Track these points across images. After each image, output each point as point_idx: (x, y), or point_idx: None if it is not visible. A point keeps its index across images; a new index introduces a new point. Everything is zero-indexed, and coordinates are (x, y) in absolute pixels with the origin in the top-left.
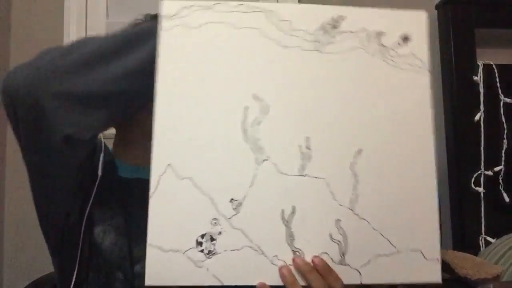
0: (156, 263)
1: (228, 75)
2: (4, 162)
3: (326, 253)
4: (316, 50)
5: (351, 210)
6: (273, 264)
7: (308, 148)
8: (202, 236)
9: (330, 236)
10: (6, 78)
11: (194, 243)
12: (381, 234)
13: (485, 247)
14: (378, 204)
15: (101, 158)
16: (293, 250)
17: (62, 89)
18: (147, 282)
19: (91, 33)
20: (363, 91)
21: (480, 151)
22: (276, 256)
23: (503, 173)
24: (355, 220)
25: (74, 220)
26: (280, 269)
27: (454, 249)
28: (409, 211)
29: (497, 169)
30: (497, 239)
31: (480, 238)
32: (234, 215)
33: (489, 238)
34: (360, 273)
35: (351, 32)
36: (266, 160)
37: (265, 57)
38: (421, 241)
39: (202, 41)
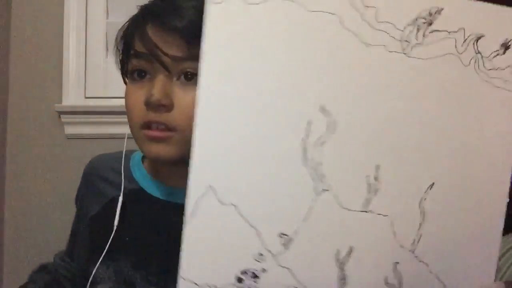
0: None
1: (291, 76)
2: (4, 162)
3: None
4: (403, 53)
5: (412, 252)
6: None
7: (376, 179)
8: (243, 272)
9: (385, 280)
10: None
11: (234, 279)
12: (437, 278)
13: None
14: (440, 246)
15: (117, 213)
16: None
17: None
18: None
19: (91, 33)
20: (449, 112)
21: None
22: None
23: None
24: (414, 263)
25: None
26: None
27: None
28: (470, 254)
29: None
30: None
31: None
32: (282, 252)
33: None
34: None
35: (447, 32)
36: (327, 190)
37: (341, 57)
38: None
39: (261, 23)
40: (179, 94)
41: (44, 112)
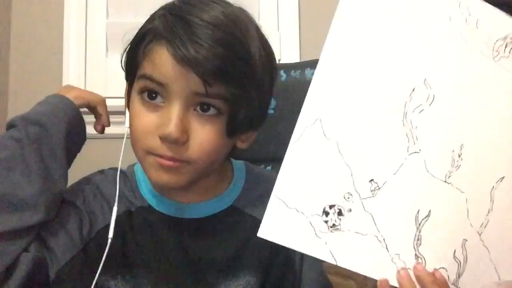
0: (276, 217)
1: (406, 48)
2: None
3: (445, 268)
4: (493, 59)
5: (479, 234)
6: (393, 262)
7: (459, 156)
8: (331, 206)
9: (454, 253)
10: None
11: (321, 211)
12: (495, 268)
13: None
14: (503, 238)
15: (113, 219)
16: (416, 255)
17: None
18: (260, 234)
19: (91, 33)
20: None
21: None
22: (398, 255)
23: None
24: (479, 245)
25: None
26: (400, 271)
27: None
28: None
29: None
30: None
31: None
32: (370, 197)
33: None
34: None
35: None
36: (417, 152)
37: (445, 45)
38: None
39: (387, 5)
40: (196, 126)
41: None
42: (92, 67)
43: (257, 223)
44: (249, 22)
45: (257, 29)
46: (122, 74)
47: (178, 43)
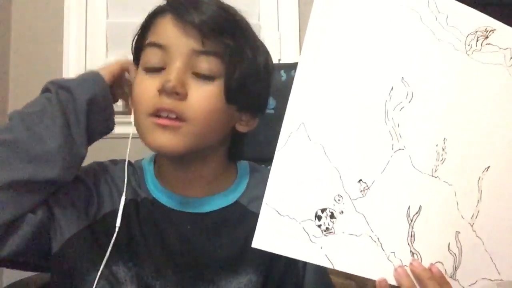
0: (269, 225)
1: (381, 48)
2: None
3: (441, 262)
4: (466, 54)
5: (471, 225)
6: (389, 260)
7: (443, 149)
8: (323, 210)
9: (448, 246)
10: None
11: (313, 216)
12: (491, 258)
13: None
14: (495, 227)
15: (121, 205)
16: (411, 251)
17: None
18: (255, 244)
19: (91, 33)
20: (501, 109)
21: None
22: (394, 253)
23: None
24: (472, 236)
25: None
26: (397, 269)
27: None
28: None
29: None
30: None
31: None
32: (360, 197)
33: None
34: None
35: (499, 47)
36: (402, 149)
37: (419, 44)
38: None
39: (364, 5)
40: (194, 86)
41: None
42: (92, 67)
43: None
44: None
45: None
46: None
47: (179, 8)
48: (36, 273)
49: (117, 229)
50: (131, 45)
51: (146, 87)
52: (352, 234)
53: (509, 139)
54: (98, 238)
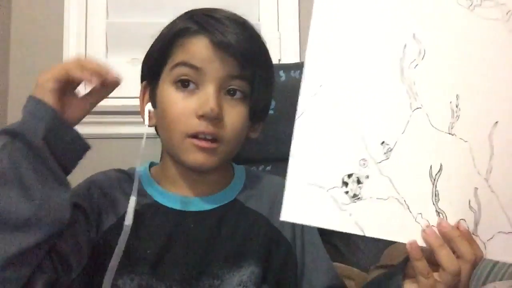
0: (295, 197)
1: (390, 6)
2: None
3: (464, 220)
4: (468, 9)
5: (486, 181)
6: (417, 222)
7: (457, 106)
8: (349, 176)
9: (469, 203)
10: None
11: (340, 182)
12: (504, 212)
13: None
14: (508, 181)
15: (131, 203)
16: (437, 211)
17: None
18: (283, 217)
19: (91, 33)
20: (502, 65)
21: None
22: (421, 214)
23: None
24: (488, 191)
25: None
26: (425, 229)
27: None
28: None
29: None
30: None
31: None
32: (384, 160)
33: None
34: (485, 247)
35: (496, 2)
36: (420, 108)
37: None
38: None
39: None
40: (228, 107)
41: None
42: None
43: (258, 215)
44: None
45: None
46: (122, 75)
47: (214, 31)
48: None
49: (125, 227)
50: (145, 54)
51: (184, 108)
52: (379, 198)
53: (510, 95)
54: (98, 259)
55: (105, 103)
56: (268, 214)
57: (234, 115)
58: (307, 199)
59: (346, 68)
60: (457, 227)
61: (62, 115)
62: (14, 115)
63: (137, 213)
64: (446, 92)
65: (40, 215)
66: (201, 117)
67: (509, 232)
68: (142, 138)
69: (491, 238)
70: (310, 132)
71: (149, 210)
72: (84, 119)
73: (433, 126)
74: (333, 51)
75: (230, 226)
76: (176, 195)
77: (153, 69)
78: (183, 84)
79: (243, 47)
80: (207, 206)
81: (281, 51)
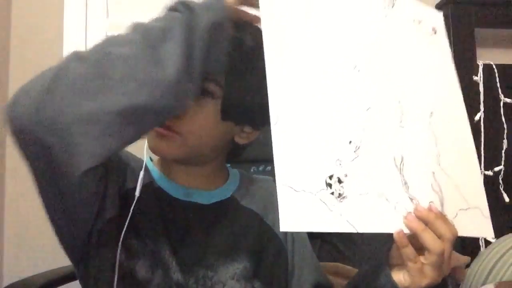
0: (290, 205)
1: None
2: (4, 162)
3: (432, 202)
4: (385, 12)
5: (439, 164)
6: (396, 210)
7: (399, 102)
8: (330, 177)
9: (432, 186)
10: (11, 106)
11: (324, 184)
12: (458, 191)
13: (485, 247)
14: (454, 162)
15: (140, 177)
16: (409, 197)
17: (85, 110)
18: (283, 228)
19: (91, 33)
20: (421, 60)
21: (480, 151)
22: (398, 203)
23: (503, 173)
24: (443, 174)
25: (103, 241)
26: (407, 216)
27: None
28: (467, 171)
29: (497, 169)
30: (496, 239)
31: (480, 238)
32: (356, 158)
33: (489, 238)
34: (454, 225)
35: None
36: (370, 108)
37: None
38: (478, 200)
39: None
40: (195, 105)
41: None
42: None
43: (252, 213)
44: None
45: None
46: None
47: None
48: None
49: (136, 198)
50: None
51: None
52: (361, 194)
53: (435, 84)
54: (121, 213)
55: None
56: (262, 212)
57: (198, 112)
58: (300, 206)
59: (306, 75)
60: (430, 209)
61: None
62: None
63: (141, 194)
64: (393, 92)
65: (177, 86)
66: None
67: (467, 208)
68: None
69: (456, 216)
70: (288, 139)
71: (152, 191)
72: None
73: (386, 121)
74: (289, 59)
75: (226, 222)
76: (177, 185)
77: None
78: None
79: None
80: (206, 200)
81: None
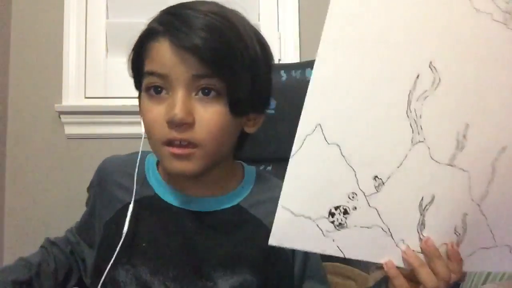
0: (284, 225)
1: (406, 32)
2: (4, 162)
3: (445, 244)
4: (504, 24)
5: (479, 205)
6: (398, 247)
7: (464, 136)
8: (336, 208)
9: (455, 228)
10: None
11: (327, 213)
12: (491, 230)
13: None
14: (501, 203)
15: (127, 220)
16: (420, 238)
17: None
18: (271, 242)
19: (91, 33)
20: None
21: None
22: (403, 240)
23: None
24: (478, 215)
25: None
26: (406, 250)
27: None
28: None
29: None
30: None
31: None
32: (374, 193)
33: None
34: (464, 263)
35: None
36: (422, 142)
37: (451, 16)
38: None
39: None
40: (200, 109)
41: (44, 112)
42: (92, 67)
43: (259, 224)
44: (240, 16)
45: (249, 23)
46: (121, 75)
47: (174, 33)
48: None
49: (123, 236)
50: (128, 57)
51: (156, 116)
52: (363, 227)
53: None
54: (101, 251)
55: (105, 103)
56: (269, 222)
57: (209, 115)
58: (294, 228)
59: (349, 104)
60: (428, 245)
61: None
62: (14, 115)
63: (136, 204)
64: (454, 122)
65: None
66: (171, 124)
67: (491, 247)
68: (141, 138)
69: (471, 254)
70: (304, 168)
71: (148, 203)
72: (84, 119)
73: (432, 159)
74: (336, 85)
75: (228, 231)
76: (177, 192)
77: (134, 78)
78: (155, 90)
79: (207, 45)
80: (207, 207)
81: (281, 51)
